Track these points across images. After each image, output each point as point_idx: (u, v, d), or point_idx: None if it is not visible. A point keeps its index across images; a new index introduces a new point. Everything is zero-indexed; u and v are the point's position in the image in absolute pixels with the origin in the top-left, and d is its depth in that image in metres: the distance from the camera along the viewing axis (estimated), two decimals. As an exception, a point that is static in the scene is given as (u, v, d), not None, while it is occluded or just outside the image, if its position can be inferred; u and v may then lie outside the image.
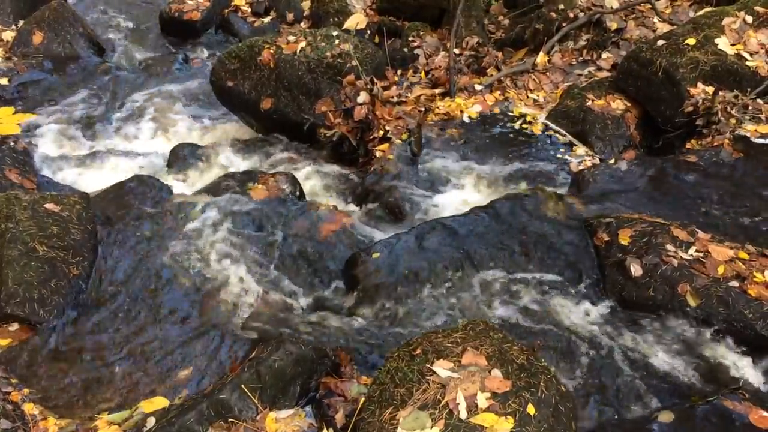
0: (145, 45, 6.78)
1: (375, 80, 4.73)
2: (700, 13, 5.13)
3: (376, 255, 3.45)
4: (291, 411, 2.54)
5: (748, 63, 4.40)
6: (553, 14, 5.58)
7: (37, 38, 6.07)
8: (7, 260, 3.24)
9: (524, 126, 4.73)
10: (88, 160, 4.76)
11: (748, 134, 4.15)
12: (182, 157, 4.60)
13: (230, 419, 2.44)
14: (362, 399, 2.42)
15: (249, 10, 7.10)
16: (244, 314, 3.30)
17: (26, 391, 2.86)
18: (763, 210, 3.65)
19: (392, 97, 4.98)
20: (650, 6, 5.65)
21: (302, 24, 6.85)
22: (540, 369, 2.31)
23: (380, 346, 2.99)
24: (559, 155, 4.46)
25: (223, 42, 6.77)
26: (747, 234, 3.48)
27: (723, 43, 4.49)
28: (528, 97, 5.12)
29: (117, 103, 5.56)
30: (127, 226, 3.73)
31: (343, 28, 5.90)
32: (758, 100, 4.30)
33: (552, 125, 4.71)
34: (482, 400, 2.16)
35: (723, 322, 2.97)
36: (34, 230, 3.38)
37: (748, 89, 4.31)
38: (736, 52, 4.46)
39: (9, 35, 6.25)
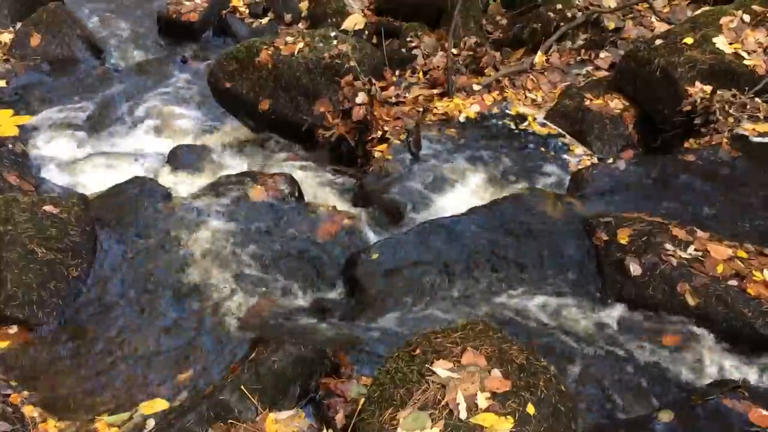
0: (143, 46, 6.77)
1: (373, 81, 4.73)
2: (698, 12, 5.14)
3: (375, 255, 3.45)
4: (291, 412, 2.53)
5: (745, 62, 4.40)
6: (551, 14, 5.58)
7: (35, 40, 6.06)
8: (6, 262, 3.23)
9: (522, 126, 4.73)
10: (86, 161, 4.75)
11: (746, 133, 4.15)
12: (181, 159, 4.60)
13: (230, 420, 2.44)
14: (362, 400, 2.42)
15: (247, 11, 7.09)
16: (244, 315, 3.30)
17: (26, 393, 2.86)
18: (761, 209, 3.65)
19: (391, 97, 4.98)
20: (648, 5, 5.65)
21: (300, 25, 6.84)
22: (539, 369, 2.31)
23: (380, 346, 2.99)
24: (557, 155, 4.46)
25: (221, 43, 6.76)
26: (746, 233, 3.48)
27: (721, 42, 4.49)
28: (526, 96, 5.12)
29: (115, 104, 5.55)
30: (126, 227, 3.72)
31: (341, 28, 5.93)
32: (756, 99, 4.30)
33: (550, 125, 4.72)
34: (482, 400, 2.16)
35: (722, 321, 2.97)
36: (32, 232, 3.38)
37: (746, 88, 4.31)
38: (733, 51, 4.46)
39: (7, 37, 6.24)
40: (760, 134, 4.15)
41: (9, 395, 2.81)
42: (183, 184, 4.43)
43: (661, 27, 5.41)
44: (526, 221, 3.62)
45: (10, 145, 4.52)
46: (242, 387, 2.51)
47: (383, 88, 4.97)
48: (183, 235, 3.70)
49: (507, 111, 4.89)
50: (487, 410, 2.14)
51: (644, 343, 2.98)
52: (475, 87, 5.11)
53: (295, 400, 2.62)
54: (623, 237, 3.34)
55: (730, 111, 4.23)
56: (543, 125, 4.73)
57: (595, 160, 4.38)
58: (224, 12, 7.00)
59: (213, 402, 2.47)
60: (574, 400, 2.40)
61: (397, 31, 6.03)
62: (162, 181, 4.24)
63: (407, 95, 5.11)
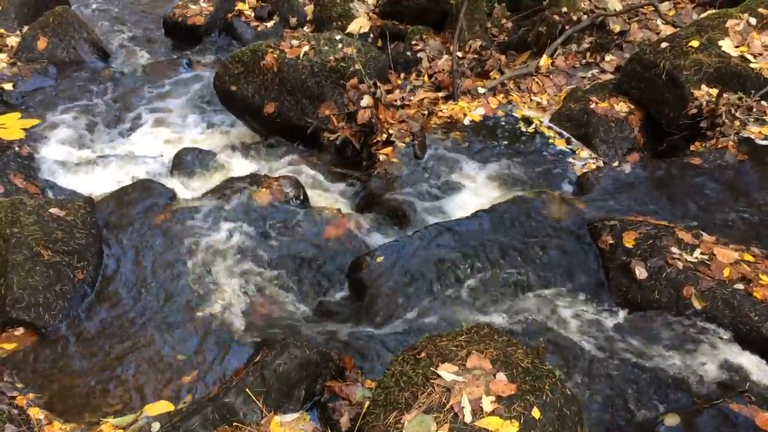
0: (149, 50, 6.81)
1: (378, 84, 4.73)
2: (704, 15, 5.13)
3: (380, 258, 3.44)
4: (296, 415, 2.54)
5: (752, 65, 4.39)
6: (556, 17, 5.58)
7: (42, 43, 6.10)
8: (13, 265, 3.25)
9: (528, 129, 4.72)
10: (92, 164, 4.77)
11: (753, 136, 4.14)
12: (186, 162, 4.61)
13: (235, 423, 2.44)
14: (367, 403, 2.42)
15: (252, 14, 7.12)
16: (249, 318, 3.30)
17: (31, 395, 2.87)
18: (767, 212, 3.64)
19: (395, 100, 4.99)
20: (653, 8, 5.64)
21: (305, 28, 6.86)
22: (545, 372, 2.31)
23: (385, 349, 2.99)
24: (562, 158, 4.46)
25: (226, 46, 6.80)
26: (752, 236, 3.47)
27: (727, 45, 4.49)
28: (531, 100, 5.12)
29: (121, 107, 5.58)
30: (132, 230, 3.73)
31: (346, 32, 5.94)
32: (762, 102, 4.29)
33: (555, 128, 4.71)
34: (487, 404, 2.16)
35: (728, 325, 2.96)
36: (39, 235, 3.39)
37: (752, 91, 4.30)
38: (739, 54, 4.46)
39: (14, 41, 6.28)
40: (767, 137, 4.13)
41: (15, 397, 2.82)
42: (188, 187, 4.44)
43: (666, 30, 5.40)
44: (532, 224, 3.62)
45: (17, 148, 4.54)
46: (247, 390, 2.51)
47: (388, 91, 4.98)
48: (188, 238, 3.71)
49: (512, 114, 4.89)
50: (492, 414, 2.14)
51: (650, 346, 2.96)
52: (480, 90, 5.11)
53: (299, 403, 2.63)
54: (629, 240, 3.34)
55: (736, 114, 4.22)
56: (548, 128, 4.72)
57: (600, 163, 4.37)
58: (230, 15, 7.04)
59: (218, 404, 2.47)
60: (580, 404, 2.39)
61: (402, 35, 6.04)
62: (167, 184, 4.25)
63: (412, 98, 5.12)
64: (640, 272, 3.18)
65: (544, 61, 5.36)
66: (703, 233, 3.32)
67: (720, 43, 4.50)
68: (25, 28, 6.40)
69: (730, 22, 4.63)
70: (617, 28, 5.48)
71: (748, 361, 2.88)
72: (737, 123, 4.20)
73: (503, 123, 4.80)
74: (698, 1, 5.84)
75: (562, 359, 2.91)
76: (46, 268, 3.29)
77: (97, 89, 5.76)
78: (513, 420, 2.12)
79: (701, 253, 3.19)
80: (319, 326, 3.22)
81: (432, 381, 2.26)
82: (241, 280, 3.50)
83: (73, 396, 2.92)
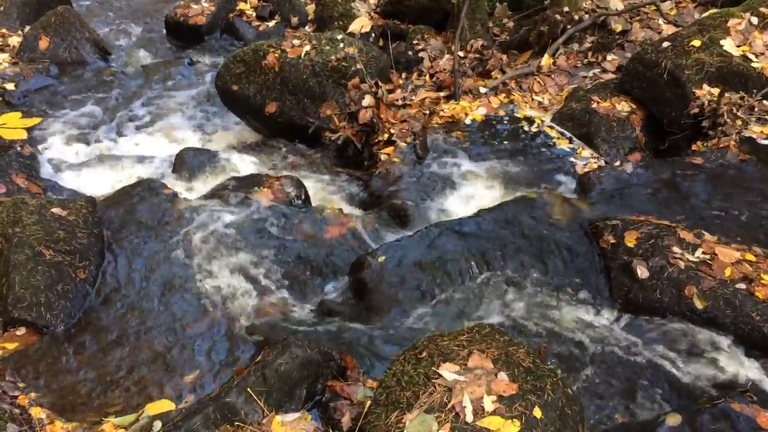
0: (150, 49, 6.81)
1: (379, 83, 4.74)
2: (706, 14, 5.12)
3: (381, 258, 3.44)
4: (297, 414, 2.54)
5: (753, 64, 4.39)
6: (558, 16, 5.57)
7: (44, 43, 6.11)
8: (14, 265, 3.25)
9: (529, 128, 4.72)
10: (94, 164, 4.77)
11: (755, 136, 4.13)
12: (188, 162, 4.61)
13: (236, 423, 2.44)
14: (368, 402, 2.42)
15: (254, 14, 7.12)
16: (250, 317, 3.30)
17: (33, 395, 2.87)
18: (769, 212, 3.63)
19: (397, 100, 4.99)
20: (655, 8, 5.64)
21: (307, 28, 6.86)
22: (546, 372, 2.31)
23: (386, 349, 2.99)
24: (564, 157, 4.45)
25: (228, 46, 6.80)
26: (754, 236, 3.47)
27: (728, 44, 4.48)
28: (533, 99, 5.12)
29: (123, 107, 5.58)
30: (133, 230, 3.74)
31: (348, 31, 5.94)
32: (764, 102, 4.28)
33: (557, 128, 4.71)
34: (488, 404, 2.16)
35: (730, 325, 2.96)
36: (40, 235, 3.39)
37: (754, 90, 4.30)
38: (741, 53, 4.45)
39: (15, 40, 6.29)
40: (768, 137, 4.13)
41: (17, 397, 2.82)
42: (189, 187, 4.44)
43: (668, 29, 5.40)
44: (533, 224, 3.61)
45: (19, 148, 4.55)
46: (248, 389, 2.51)
47: (390, 91, 4.98)
48: (190, 237, 3.71)
49: (514, 114, 4.89)
50: (493, 413, 2.14)
51: (651, 346, 2.97)
52: (482, 90, 5.11)
53: (301, 403, 2.63)
54: (630, 240, 3.33)
55: (738, 113, 4.21)
56: (550, 128, 4.72)
57: (602, 162, 4.37)
58: (231, 15, 7.04)
59: (219, 404, 2.47)
60: (581, 404, 2.39)
61: (404, 34, 6.04)
62: (169, 184, 4.24)
63: (413, 98, 5.12)
64: (642, 272, 3.18)
65: (545, 60, 5.36)
66: (704, 233, 3.31)
67: (722, 42, 4.49)
68: (27, 28, 6.41)
69: (731, 22, 4.63)
70: (619, 28, 5.48)
71: (749, 360, 2.88)
72: (739, 122, 4.20)
73: (505, 122, 4.80)
74: (700, 0, 5.83)
75: (563, 358, 2.91)
76: (47, 268, 3.29)
77: (99, 89, 5.76)
78: (514, 419, 2.12)
79: (703, 253, 3.19)
80: (321, 326, 3.22)
81: (433, 380, 2.26)
82: (243, 279, 3.51)
83: (75, 395, 2.92)
